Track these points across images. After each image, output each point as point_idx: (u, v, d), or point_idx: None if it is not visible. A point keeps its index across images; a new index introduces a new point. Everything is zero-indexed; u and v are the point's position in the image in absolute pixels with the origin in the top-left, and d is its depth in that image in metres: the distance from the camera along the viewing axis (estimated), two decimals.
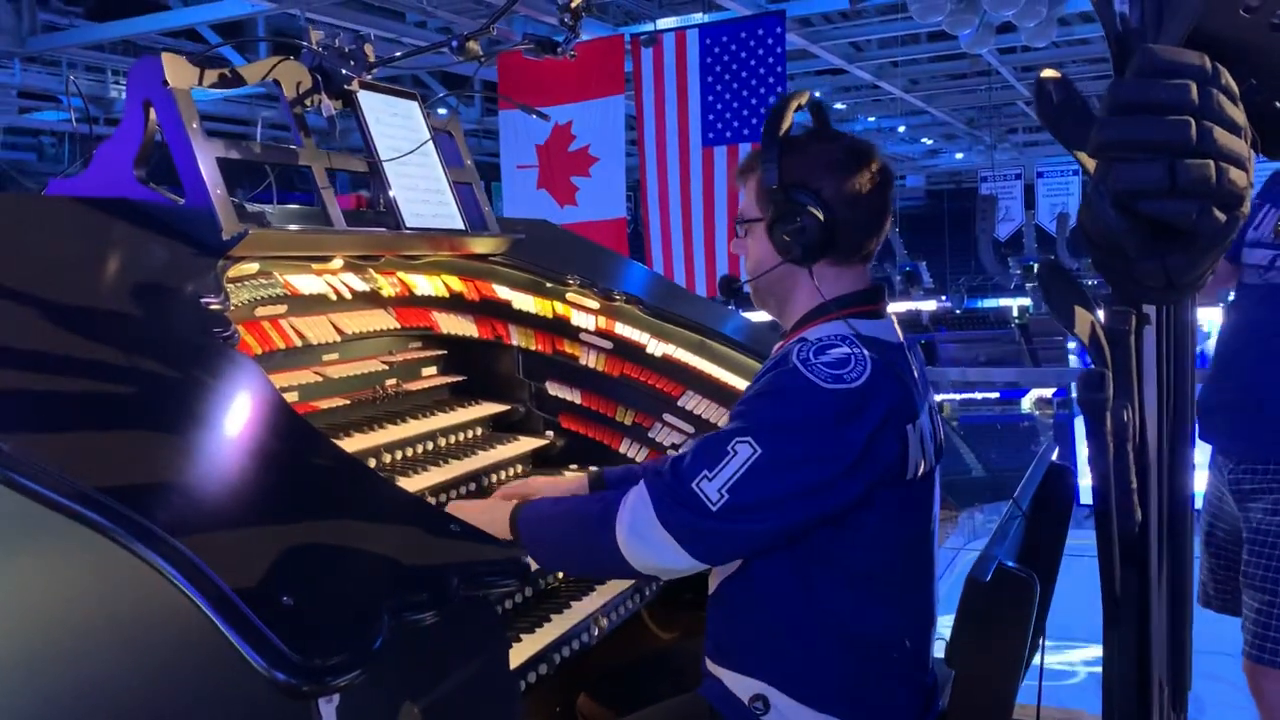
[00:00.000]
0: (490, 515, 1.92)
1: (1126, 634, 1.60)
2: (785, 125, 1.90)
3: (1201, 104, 1.14)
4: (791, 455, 1.70)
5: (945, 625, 1.82)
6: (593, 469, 2.32)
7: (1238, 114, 1.17)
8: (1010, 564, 1.55)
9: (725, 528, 1.70)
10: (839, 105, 15.97)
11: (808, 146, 1.92)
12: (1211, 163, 1.13)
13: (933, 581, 1.93)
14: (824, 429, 1.71)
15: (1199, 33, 1.30)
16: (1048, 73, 1.41)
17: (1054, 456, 2.23)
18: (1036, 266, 1.67)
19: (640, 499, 1.74)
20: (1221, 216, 1.16)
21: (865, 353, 1.77)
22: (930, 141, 20.38)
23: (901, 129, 18.33)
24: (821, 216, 1.83)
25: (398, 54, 2.42)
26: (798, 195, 1.85)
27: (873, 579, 1.81)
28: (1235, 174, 1.14)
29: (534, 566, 1.80)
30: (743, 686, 1.84)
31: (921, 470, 1.83)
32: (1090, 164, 1.33)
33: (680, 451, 1.82)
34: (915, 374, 1.89)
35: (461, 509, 1.94)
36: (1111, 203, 1.17)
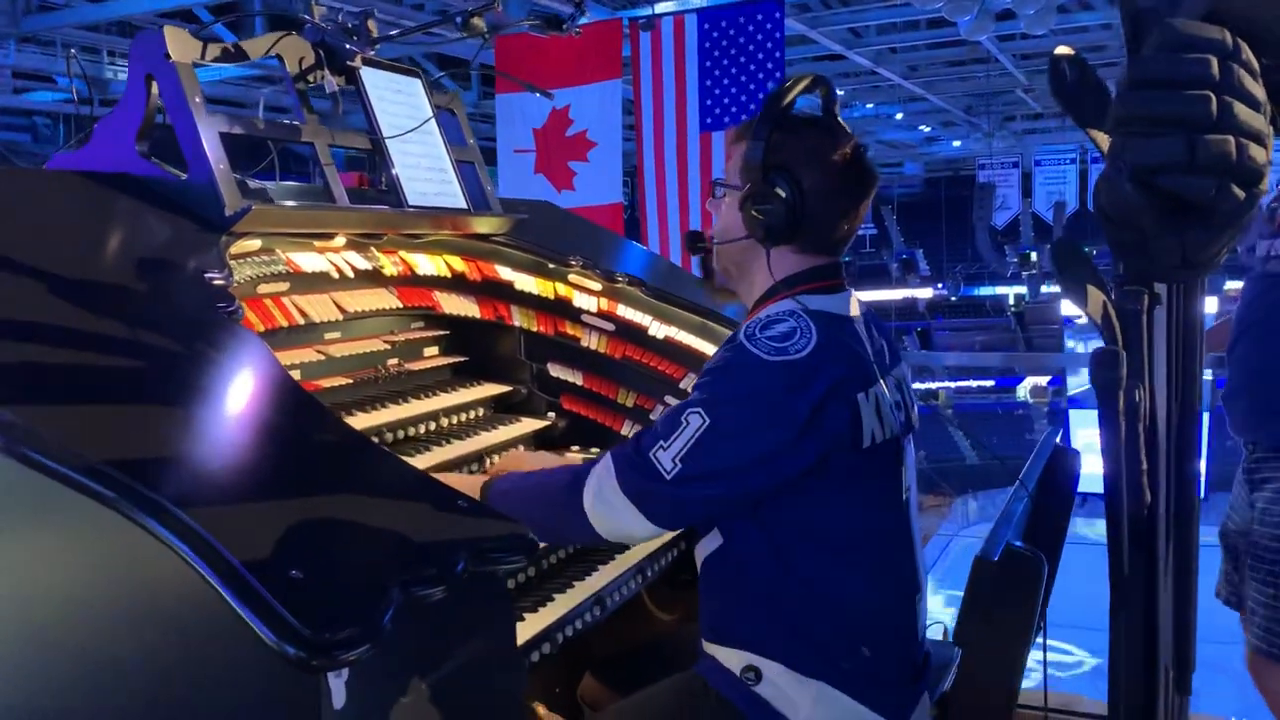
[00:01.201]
0: (461, 488, 1.95)
1: (1134, 617, 1.59)
2: (786, 103, 1.90)
3: (1222, 79, 1.13)
4: (737, 425, 1.77)
5: (939, 605, 1.80)
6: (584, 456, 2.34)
7: (1258, 89, 1.16)
8: (1018, 544, 1.55)
9: (678, 494, 1.77)
10: (837, 91, 15.92)
11: (802, 132, 1.91)
12: (1231, 138, 1.12)
13: (913, 550, 1.95)
14: (768, 399, 1.77)
15: (1214, 12, 1.29)
16: (1061, 50, 1.40)
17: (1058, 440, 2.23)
18: (1052, 245, 1.66)
19: (605, 467, 1.83)
20: (1240, 193, 1.14)
21: (811, 325, 1.81)
22: (928, 128, 20.35)
23: (899, 115, 18.30)
24: (794, 205, 1.85)
25: (403, 29, 2.40)
26: (777, 179, 1.85)
27: (844, 546, 1.86)
28: (1255, 150, 1.13)
29: (541, 545, 1.80)
30: (735, 660, 1.87)
31: (880, 439, 1.85)
32: (1104, 142, 1.32)
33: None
34: (870, 346, 1.92)
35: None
36: (1129, 178, 1.16)
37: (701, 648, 1.95)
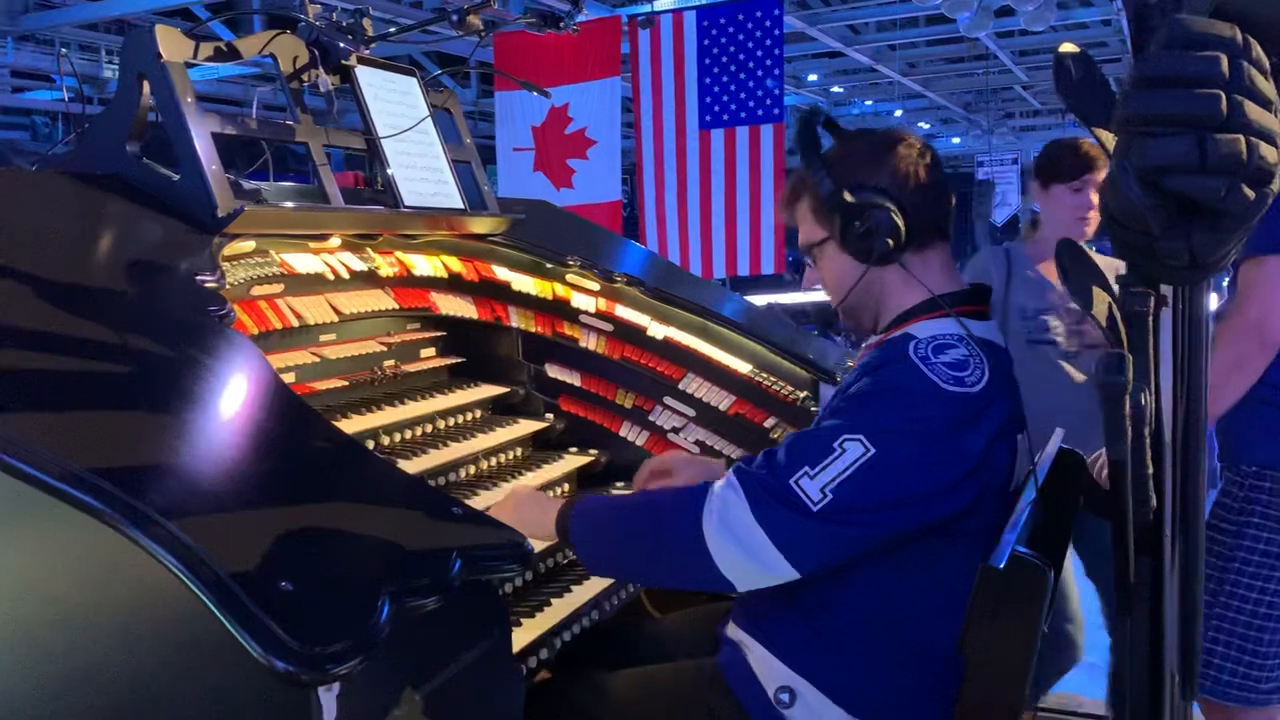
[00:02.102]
0: (530, 513, 1.82)
1: (1139, 622, 1.57)
2: (814, 138, 1.82)
3: (1232, 77, 1.10)
4: (906, 458, 1.59)
5: None
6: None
7: (1268, 88, 1.13)
8: (1023, 550, 1.52)
9: (826, 530, 1.58)
10: (836, 89, 15.90)
11: (844, 148, 1.84)
12: (1242, 138, 1.10)
13: None
14: (942, 434, 1.61)
15: (1222, 7, 1.26)
16: (1067, 47, 1.38)
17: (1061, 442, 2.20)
18: (1056, 247, 1.61)
19: (733, 491, 1.61)
20: (1250, 194, 1.12)
21: (981, 355, 1.68)
22: (927, 126, 20.30)
23: (899, 113, 18.25)
24: (890, 206, 1.74)
25: (395, 29, 2.37)
26: (859, 195, 1.74)
27: (950, 591, 1.68)
28: (1266, 150, 1.11)
29: (536, 550, 1.75)
30: (771, 672, 1.74)
31: (1020, 482, 1.75)
32: (1109, 141, 1.30)
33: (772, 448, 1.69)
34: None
35: (501, 509, 1.87)
36: (1137, 179, 1.14)
37: (725, 633, 1.81)
